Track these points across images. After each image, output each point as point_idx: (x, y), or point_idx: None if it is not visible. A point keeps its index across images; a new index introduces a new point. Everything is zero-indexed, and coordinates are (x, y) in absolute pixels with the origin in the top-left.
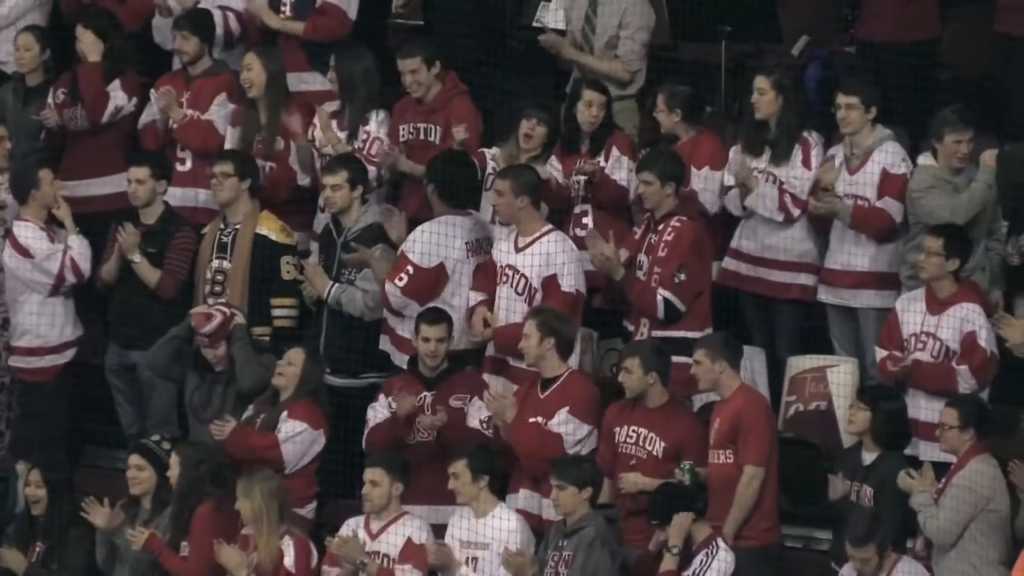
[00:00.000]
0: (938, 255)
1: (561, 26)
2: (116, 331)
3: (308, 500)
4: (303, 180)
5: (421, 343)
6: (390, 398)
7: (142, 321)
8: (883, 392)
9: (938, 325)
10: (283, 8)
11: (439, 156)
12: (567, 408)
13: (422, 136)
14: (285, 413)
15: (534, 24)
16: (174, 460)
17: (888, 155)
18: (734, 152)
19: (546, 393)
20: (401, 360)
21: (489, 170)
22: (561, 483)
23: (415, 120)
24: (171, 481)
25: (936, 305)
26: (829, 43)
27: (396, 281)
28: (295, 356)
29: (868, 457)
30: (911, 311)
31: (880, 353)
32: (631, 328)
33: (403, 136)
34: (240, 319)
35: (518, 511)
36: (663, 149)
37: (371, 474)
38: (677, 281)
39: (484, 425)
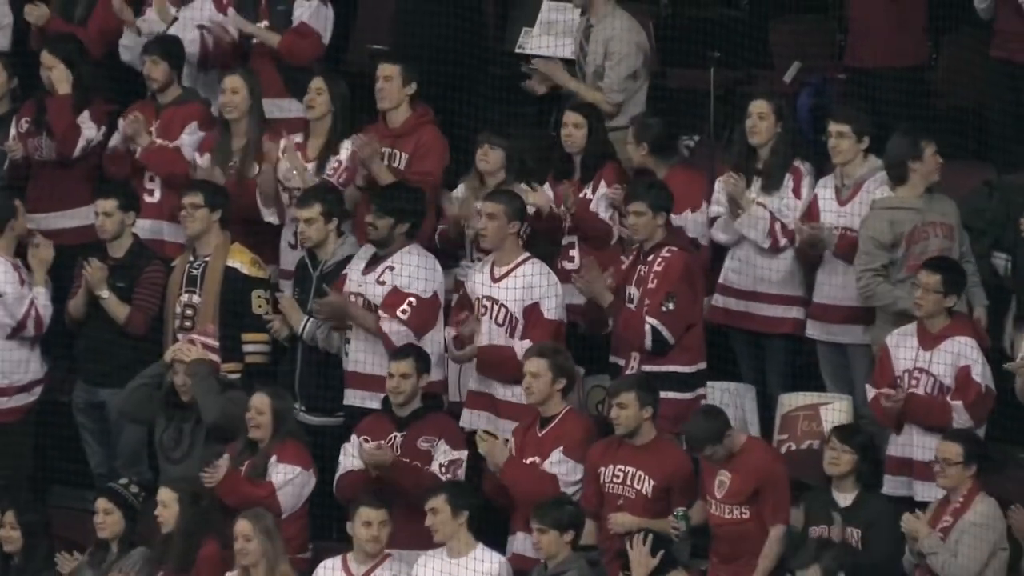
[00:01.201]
0: (936, 292)
1: (545, 52)
2: (84, 368)
3: (305, 543)
4: (268, 216)
5: (387, 378)
6: (362, 437)
7: (111, 358)
8: (858, 429)
9: (931, 360)
10: (259, 26)
11: (398, 190)
12: (561, 448)
13: (386, 161)
14: (274, 458)
15: (516, 51)
16: (168, 497)
17: (880, 186)
18: (727, 174)
19: (544, 431)
20: (373, 402)
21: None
22: (542, 526)
23: (381, 143)
24: (162, 520)
25: (929, 340)
26: (821, 70)
27: (399, 314)
28: (261, 403)
29: (843, 498)
30: (903, 347)
31: (871, 392)
32: (621, 363)
33: None
34: (203, 356)
35: (515, 555)
36: (652, 180)
37: (378, 515)
38: (665, 310)
39: (443, 469)
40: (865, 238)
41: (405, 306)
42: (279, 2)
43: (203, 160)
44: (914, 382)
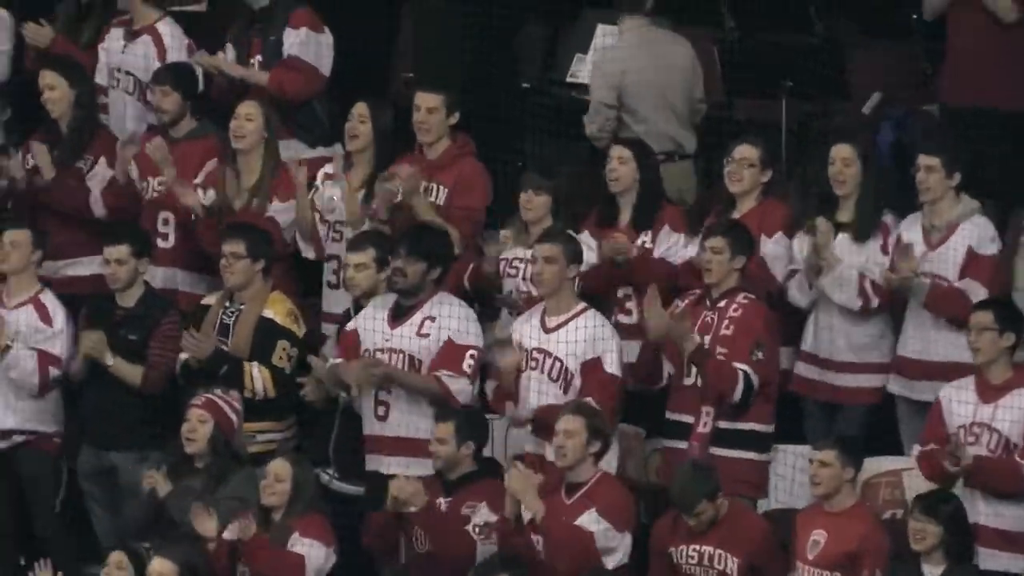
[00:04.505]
0: (990, 330)
1: None
2: (90, 430)
3: None
4: (306, 251)
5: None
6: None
7: (121, 418)
8: (943, 498)
9: (994, 415)
10: (252, 62)
11: (427, 233)
12: (594, 508)
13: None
14: (296, 533)
15: (568, 79)
16: (167, 569)
17: (976, 231)
18: (818, 220)
19: (573, 499)
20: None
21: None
22: None
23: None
24: None
25: (990, 392)
26: (905, 101)
27: (465, 368)
28: (281, 470)
29: (931, 571)
30: (959, 401)
31: (916, 449)
32: (685, 419)
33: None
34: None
35: None
36: (735, 220)
37: None
38: (755, 359)
39: (476, 530)
40: None
41: (469, 359)
42: (270, 32)
43: (208, 196)
44: (972, 439)
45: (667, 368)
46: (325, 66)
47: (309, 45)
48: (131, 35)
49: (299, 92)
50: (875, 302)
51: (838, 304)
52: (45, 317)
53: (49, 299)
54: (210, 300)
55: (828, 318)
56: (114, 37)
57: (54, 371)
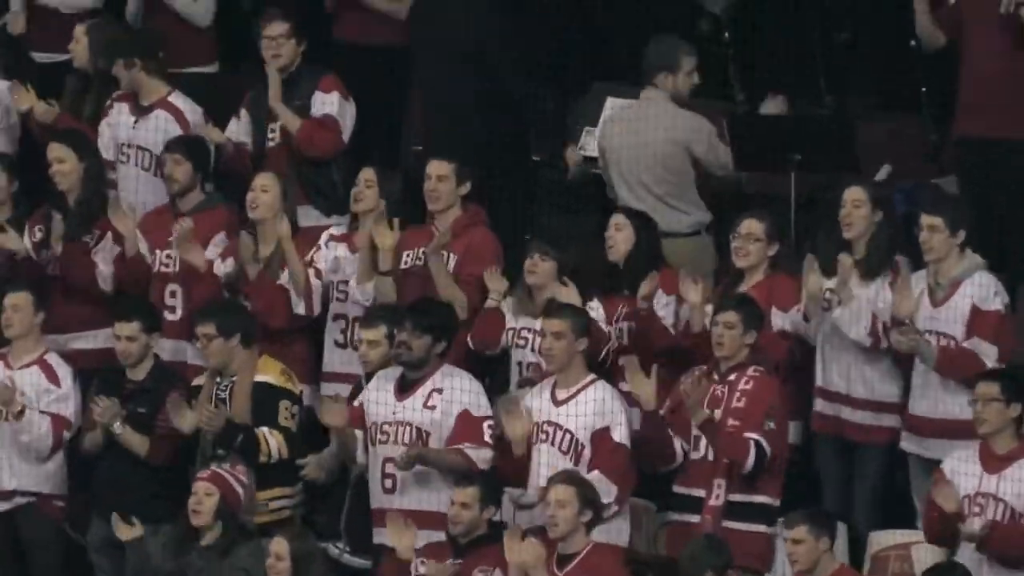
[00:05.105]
0: (997, 400)
1: None
2: (101, 502)
3: None
4: (297, 306)
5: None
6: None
7: (133, 490)
8: (949, 569)
9: (999, 486)
10: (272, 127)
11: (432, 306)
12: None
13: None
14: None
15: (578, 152)
16: None
17: (979, 287)
18: (841, 258)
19: (565, 570)
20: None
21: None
22: None
23: (427, 246)
24: None
25: (995, 462)
26: (914, 174)
27: (487, 440)
28: (279, 548)
29: None
30: (963, 472)
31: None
32: (695, 492)
33: (406, 263)
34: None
35: None
36: (745, 294)
37: None
38: (767, 428)
39: None
40: None
41: (487, 430)
42: (295, 97)
43: (226, 265)
44: (977, 509)
45: (679, 444)
46: (347, 132)
47: (340, 109)
48: (141, 110)
49: (325, 150)
50: (885, 343)
51: (852, 339)
52: (52, 378)
53: (55, 360)
54: (200, 380)
55: (835, 352)
56: (120, 112)
57: (66, 434)
